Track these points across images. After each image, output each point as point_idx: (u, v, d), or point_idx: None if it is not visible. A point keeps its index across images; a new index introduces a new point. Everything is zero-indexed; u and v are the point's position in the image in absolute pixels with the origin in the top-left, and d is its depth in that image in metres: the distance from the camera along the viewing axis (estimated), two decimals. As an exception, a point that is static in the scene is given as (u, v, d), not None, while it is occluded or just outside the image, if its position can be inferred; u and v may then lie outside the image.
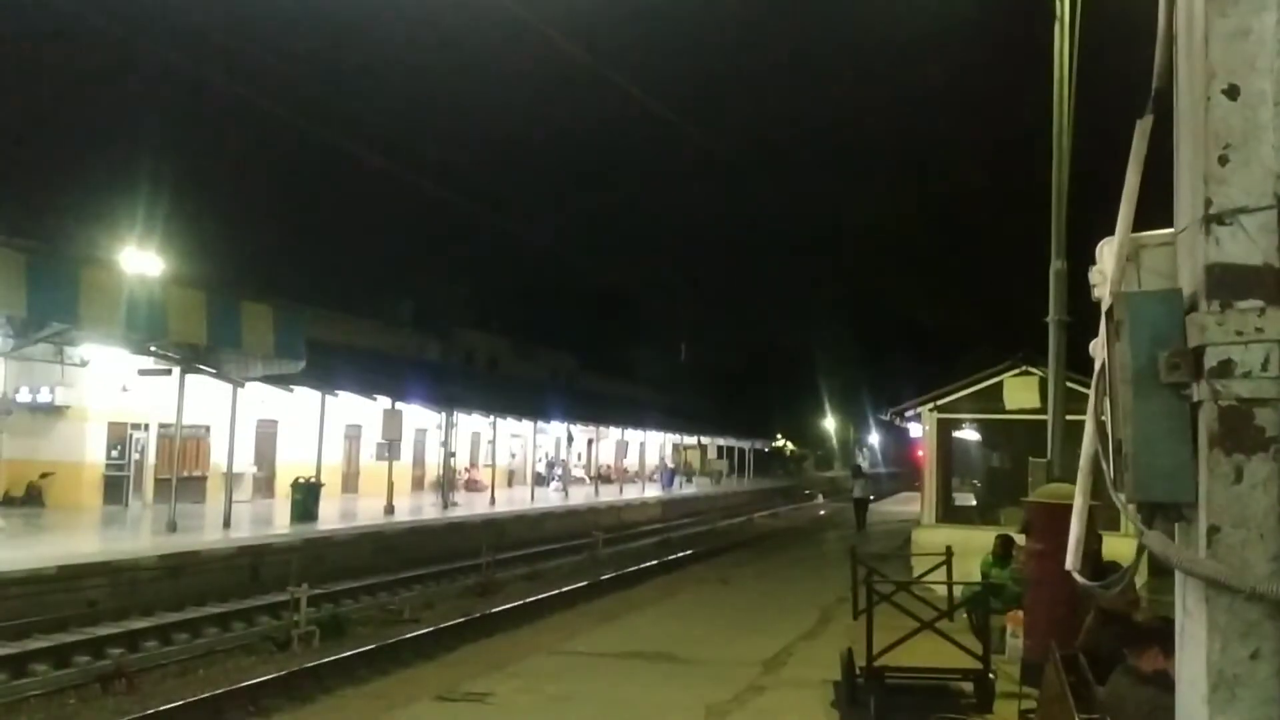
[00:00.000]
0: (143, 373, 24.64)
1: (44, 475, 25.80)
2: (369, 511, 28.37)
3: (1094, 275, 3.07)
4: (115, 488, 27.24)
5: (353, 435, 35.80)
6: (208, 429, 28.77)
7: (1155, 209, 2.93)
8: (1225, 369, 2.29)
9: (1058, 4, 14.66)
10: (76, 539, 20.26)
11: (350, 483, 35.69)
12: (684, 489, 55.20)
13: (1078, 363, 12.62)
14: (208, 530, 22.33)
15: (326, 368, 27.57)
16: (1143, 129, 2.82)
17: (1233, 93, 2.36)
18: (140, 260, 26.65)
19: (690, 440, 65.78)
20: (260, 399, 27.96)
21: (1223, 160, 2.36)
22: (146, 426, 27.79)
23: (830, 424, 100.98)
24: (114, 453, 27.44)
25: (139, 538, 21.22)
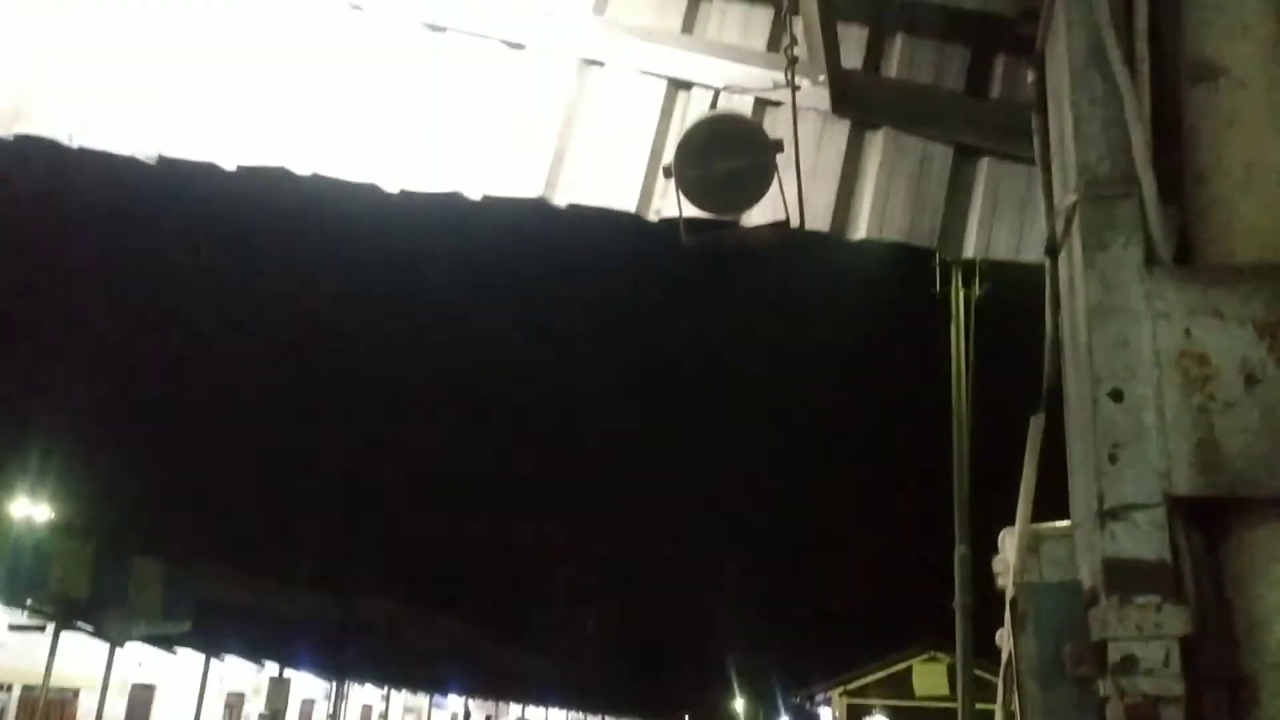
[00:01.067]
0: (14, 628, 23.03)
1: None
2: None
3: (997, 564, 3.13)
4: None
5: (234, 704, 33.45)
6: (76, 693, 26.66)
7: (1057, 498, 3.04)
8: (1129, 665, 2.31)
9: (953, 304, 15.76)
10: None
11: (226, 758, 32.97)
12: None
13: (987, 648, 12.57)
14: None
15: (214, 628, 26.10)
16: (1036, 425, 2.97)
17: (1117, 396, 2.52)
18: (29, 508, 25.53)
19: (594, 720, 62.87)
20: (138, 660, 26.18)
21: (1113, 458, 2.48)
22: (10, 688, 25.65)
23: (739, 704, 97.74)
24: (-33, 717, 25.15)
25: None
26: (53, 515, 26.39)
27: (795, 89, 3.45)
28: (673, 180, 3.38)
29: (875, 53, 4.20)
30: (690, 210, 3.28)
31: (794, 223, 3.29)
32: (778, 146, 3.18)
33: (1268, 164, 2.71)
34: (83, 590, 19.75)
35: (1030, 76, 3.34)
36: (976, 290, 15.36)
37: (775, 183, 3.21)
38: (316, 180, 4.42)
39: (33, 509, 25.52)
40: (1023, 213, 3.98)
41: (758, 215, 3.59)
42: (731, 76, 4.15)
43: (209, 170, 4.49)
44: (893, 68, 4.17)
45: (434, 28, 4.53)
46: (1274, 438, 2.41)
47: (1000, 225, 3.99)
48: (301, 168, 4.42)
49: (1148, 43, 2.75)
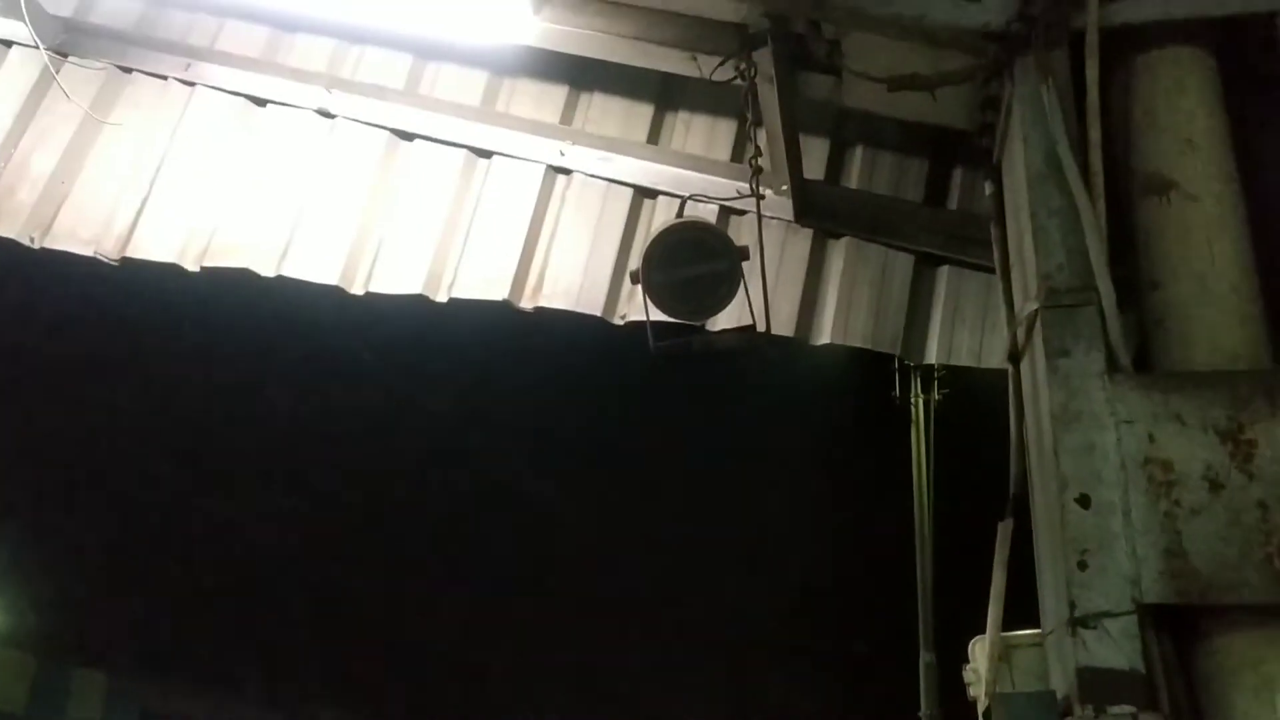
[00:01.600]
0: (-60, 745, 21.94)
1: None
2: None
3: (968, 674, 3.08)
4: None
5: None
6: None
7: (1025, 605, 3.01)
8: (1106, 776, 2.26)
9: (913, 409, 15.89)
10: None
11: None
12: None
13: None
14: None
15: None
16: (1004, 532, 2.96)
17: (1084, 501, 2.52)
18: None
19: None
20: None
21: (1082, 565, 2.47)
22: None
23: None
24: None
25: None
26: (-7, 624, 25.42)
27: (760, 198, 3.51)
28: (639, 285, 3.40)
29: (836, 164, 4.31)
30: (657, 315, 3.30)
31: (760, 327, 3.32)
32: (744, 253, 3.22)
33: (1220, 274, 2.78)
34: (19, 703, 18.92)
35: (988, 188, 3.43)
36: (936, 395, 15.52)
37: (741, 288, 3.25)
38: (281, 281, 4.41)
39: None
40: (983, 319, 4.05)
41: (723, 320, 3.62)
42: (696, 185, 4.22)
43: (171, 272, 4.48)
44: (853, 178, 4.27)
45: (403, 135, 4.59)
46: (1241, 544, 2.42)
47: (961, 331, 4.05)
48: (266, 269, 4.42)
49: (1101, 156, 2.84)
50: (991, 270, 4.03)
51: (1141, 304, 2.85)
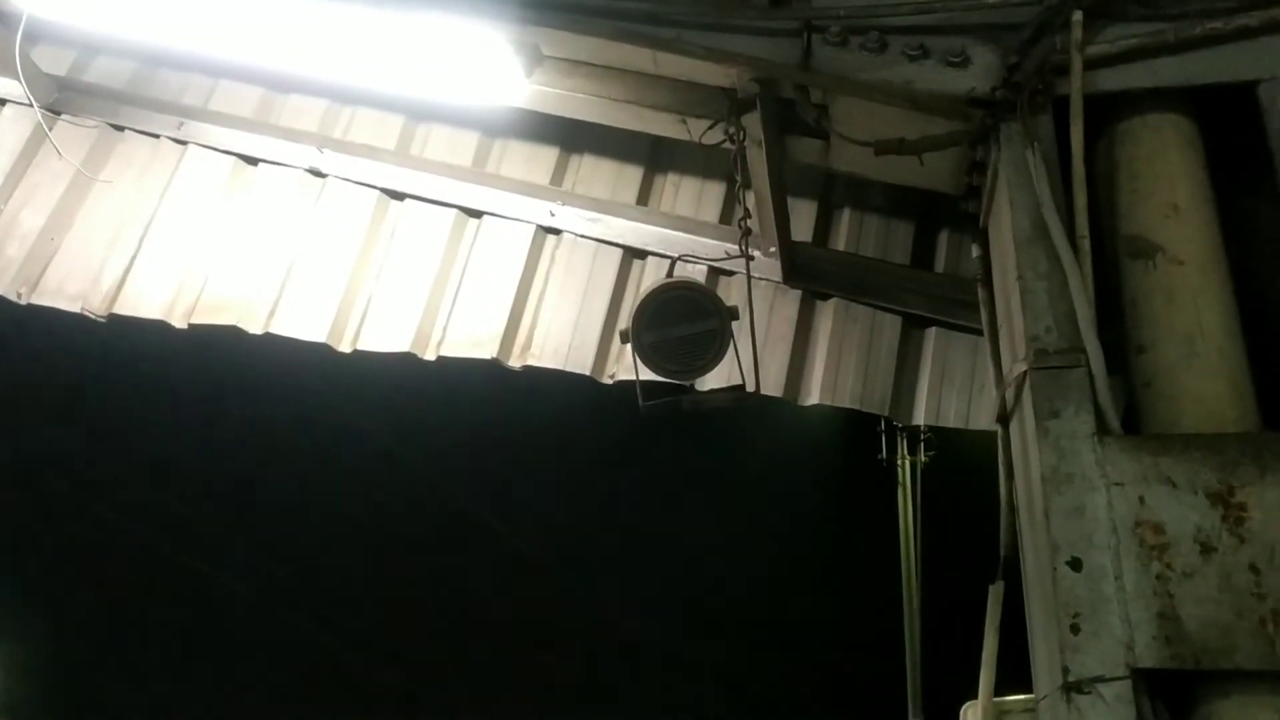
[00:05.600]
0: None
1: None
2: None
3: (961, 740, 3.04)
4: None
5: None
6: None
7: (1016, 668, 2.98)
8: None
9: (899, 470, 15.88)
10: None
11: None
12: None
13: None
14: None
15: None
16: (995, 595, 2.94)
17: (1076, 565, 2.50)
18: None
19: None
20: None
21: (1074, 629, 2.44)
22: None
23: None
24: None
25: None
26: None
27: (750, 259, 3.53)
28: (629, 345, 3.40)
29: (824, 226, 4.35)
30: (646, 374, 3.30)
31: (750, 387, 3.31)
32: (734, 313, 3.23)
33: (1207, 337, 2.80)
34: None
35: (975, 251, 3.46)
36: (922, 456, 15.52)
37: (730, 348, 3.25)
38: (269, 339, 4.40)
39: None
40: (971, 381, 4.06)
41: (711, 380, 3.61)
42: (685, 246, 4.25)
43: (159, 329, 4.46)
44: (841, 240, 4.30)
45: (394, 195, 4.62)
46: (1234, 609, 2.40)
47: (950, 393, 4.06)
48: (254, 326, 4.41)
49: (1087, 221, 2.86)
50: (978, 332, 4.05)
51: (1128, 367, 2.87)
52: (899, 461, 15.36)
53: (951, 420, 4.01)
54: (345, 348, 4.40)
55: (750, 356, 3.31)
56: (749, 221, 3.56)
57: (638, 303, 3.21)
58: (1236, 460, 2.54)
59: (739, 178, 3.58)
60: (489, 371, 4.26)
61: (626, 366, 4.20)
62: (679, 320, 3.18)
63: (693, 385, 3.33)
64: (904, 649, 13.96)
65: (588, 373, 4.21)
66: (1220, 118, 3.09)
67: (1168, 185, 3.00)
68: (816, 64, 3.25)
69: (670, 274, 3.48)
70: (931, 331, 4.16)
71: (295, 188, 4.65)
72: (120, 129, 4.79)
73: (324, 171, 4.66)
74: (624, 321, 4.32)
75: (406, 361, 4.33)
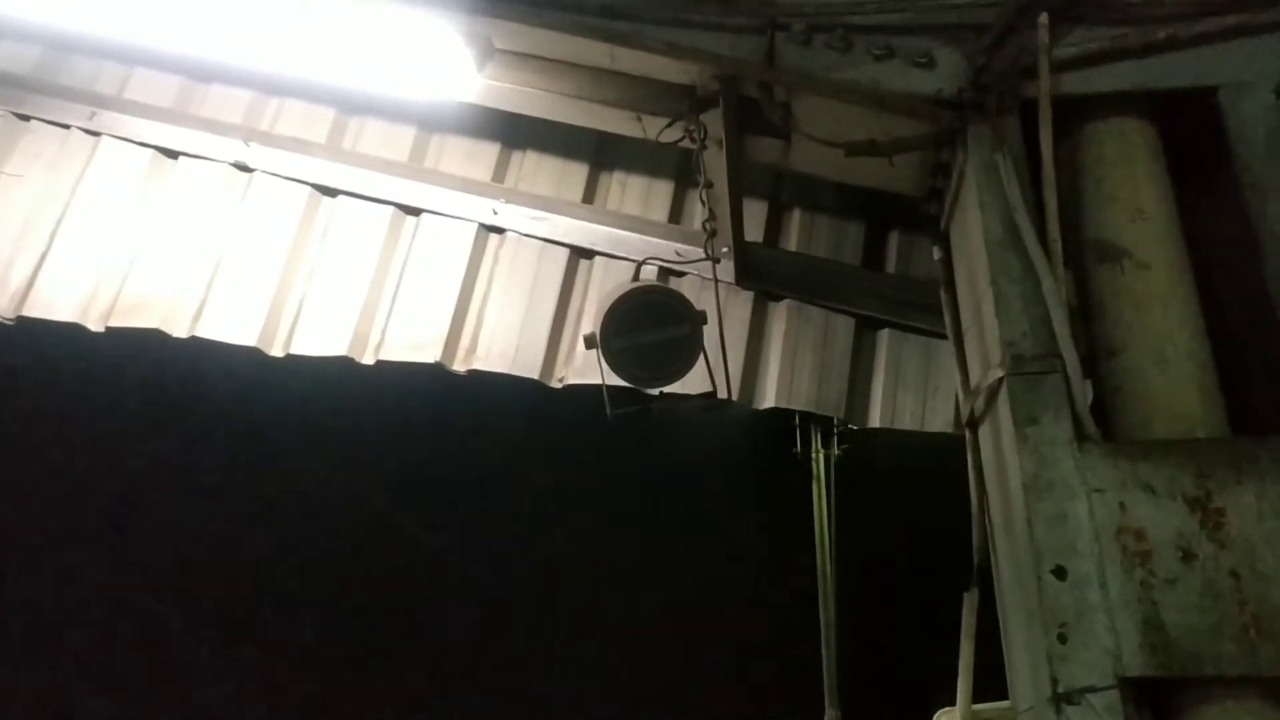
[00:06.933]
0: None
1: None
2: None
3: (934, 748, 3.02)
4: None
5: None
6: None
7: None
8: None
9: (814, 465, 16.02)
10: None
11: None
12: None
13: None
14: None
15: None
16: (970, 603, 2.92)
17: (1060, 573, 2.48)
18: None
19: None
20: None
21: (1062, 639, 2.42)
22: None
23: None
24: None
25: None
26: None
27: (716, 261, 3.45)
28: (585, 350, 3.29)
29: (774, 227, 4.30)
30: (613, 380, 3.19)
31: (722, 394, 3.24)
32: (704, 318, 3.15)
33: (1176, 341, 2.81)
34: None
35: (936, 254, 3.43)
36: (835, 451, 15.68)
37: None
38: (195, 342, 4.16)
39: None
40: (925, 383, 4.05)
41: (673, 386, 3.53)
42: (634, 246, 4.16)
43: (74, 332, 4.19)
44: (792, 241, 4.25)
45: (326, 191, 4.42)
46: (1217, 616, 2.41)
47: (904, 395, 4.04)
48: (178, 329, 4.17)
49: (1059, 224, 2.85)
50: (931, 334, 4.05)
51: (1099, 372, 2.87)
52: (813, 455, 15.48)
53: (906, 422, 3.99)
54: (277, 352, 4.19)
55: (721, 361, 3.23)
56: (713, 223, 3.48)
57: (606, 306, 3.10)
58: (1213, 466, 2.55)
59: (701, 177, 3.49)
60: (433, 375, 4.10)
61: (577, 370, 4.09)
62: (650, 325, 3.08)
63: (660, 392, 3.25)
64: (820, 641, 14.09)
65: (536, 376, 4.08)
66: (1180, 122, 3.11)
67: (1132, 189, 3.01)
68: (781, 62, 3.18)
69: (636, 277, 3.38)
70: (884, 333, 4.14)
71: (220, 183, 4.42)
72: (26, 119, 4.49)
73: (251, 166, 4.43)
74: (573, 323, 4.21)
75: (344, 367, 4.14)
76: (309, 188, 4.41)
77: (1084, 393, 2.66)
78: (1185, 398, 2.75)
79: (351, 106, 4.53)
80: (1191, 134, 3.09)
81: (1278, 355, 2.71)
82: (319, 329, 4.20)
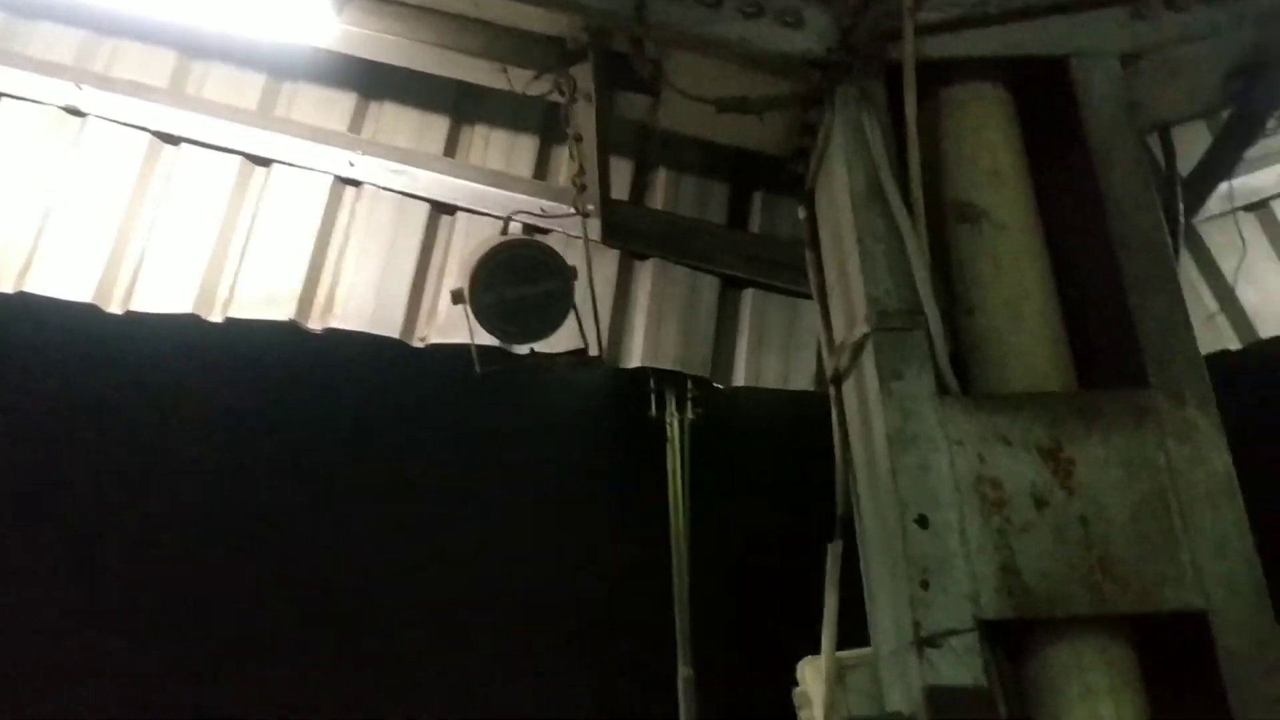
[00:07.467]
0: None
1: None
2: None
3: (797, 697, 3.08)
4: None
5: None
6: None
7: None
8: (961, 797, 2.29)
9: (668, 427, 16.23)
10: None
11: None
12: None
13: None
14: None
15: None
16: (834, 553, 2.98)
17: (923, 522, 2.56)
18: None
19: None
20: None
21: (924, 585, 2.50)
22: None
23: None
24: None
25: None
26: None
27: (585, 216, 3.40)
28: (452, 306, 3.20)
29: (640, 185, 4.27)
30: (483, 337, 3.12)
31: (593, 351, 3.20)
32: (574, 273, 3.10)
33: (1030, 299, 2.93)
34: None
35: (801, 213, 3.47)
36: (690, 414, 15.88)
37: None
38: (23, 298, 3.87)
39: None
40: (789, 342, 4.11)
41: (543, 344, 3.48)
42: (497, 201, 4.07)
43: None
44: (658, 200, 4.24)
45: (167, 138, 4.17)
46: (1067, 560, 2.53)
47: (768, 355, 4.09)
48: (4, 284, 3.87)
49: (921, 185, 2.92)
50: (794, 294, 4.11)
51: (958, 328, 2.96)
52: (668, 419, 15.64)
53: (771, 381, 4.04)
54: (116, 309, 3.94)
55: (592, 318, 3.19)
56: (582, 179, 3.43)
57: (475, 260, 3.01)
58: (1064, 417, 2.67)
59: (570, 132, 3.43)
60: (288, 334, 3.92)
61: (440, 329, 3.99)
62: (519, 280, 3.01)
63: (531, 349, 3.19)
64: (673, 601, 14.30)
65: (396, 335, 3.95)
66: (1036, 89, 3.22)
67: (990, 152, 3.10)
68: (650, 16, 3.14)
69: (504, 232, 3.30)
70: (749, 293, 4.17)
71: (48, 126, 4.10)
72: None
73: (83, 110, 4.13)
74: (434, 281, 4.10)
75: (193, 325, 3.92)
76: (149, 135, 4.14)
77: (945, 348, 2.74)
78: (1038, 353, 2.87)
79: (194, 50, 4.26)
80: (1046, 101, 3.20)
81: (1121, 312, 2.84)
82: (162, 283, 3.96)
